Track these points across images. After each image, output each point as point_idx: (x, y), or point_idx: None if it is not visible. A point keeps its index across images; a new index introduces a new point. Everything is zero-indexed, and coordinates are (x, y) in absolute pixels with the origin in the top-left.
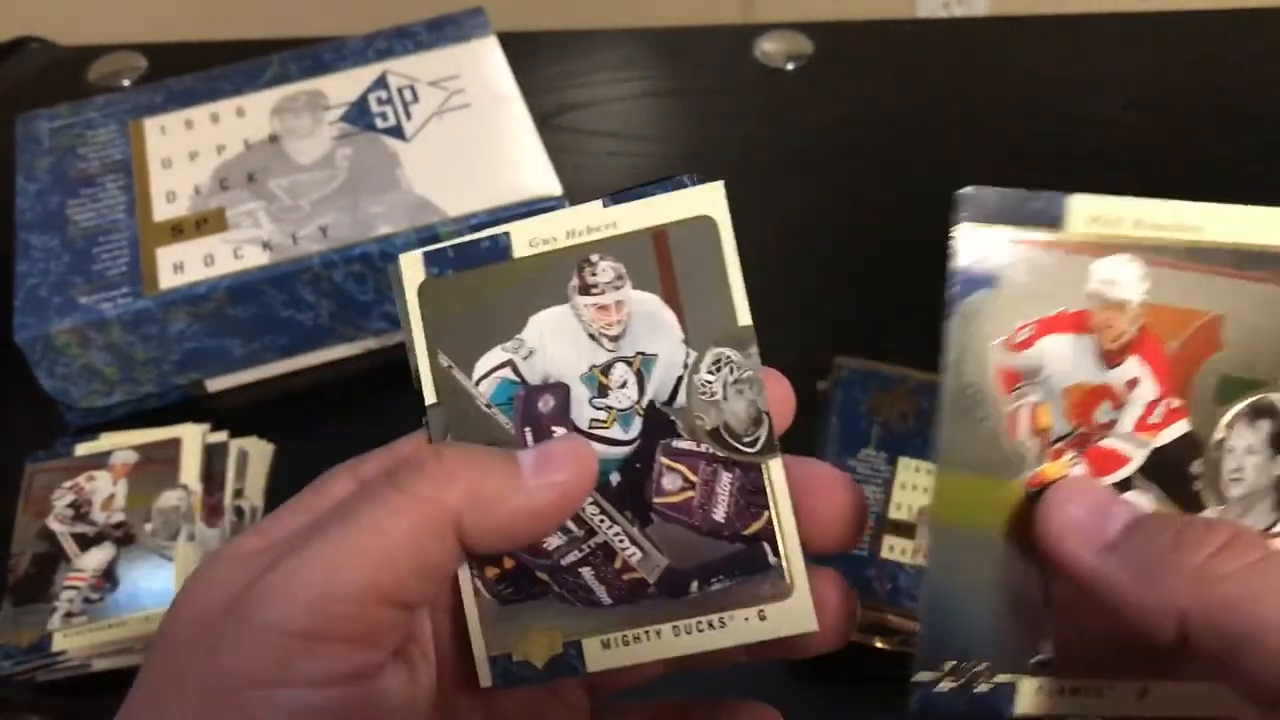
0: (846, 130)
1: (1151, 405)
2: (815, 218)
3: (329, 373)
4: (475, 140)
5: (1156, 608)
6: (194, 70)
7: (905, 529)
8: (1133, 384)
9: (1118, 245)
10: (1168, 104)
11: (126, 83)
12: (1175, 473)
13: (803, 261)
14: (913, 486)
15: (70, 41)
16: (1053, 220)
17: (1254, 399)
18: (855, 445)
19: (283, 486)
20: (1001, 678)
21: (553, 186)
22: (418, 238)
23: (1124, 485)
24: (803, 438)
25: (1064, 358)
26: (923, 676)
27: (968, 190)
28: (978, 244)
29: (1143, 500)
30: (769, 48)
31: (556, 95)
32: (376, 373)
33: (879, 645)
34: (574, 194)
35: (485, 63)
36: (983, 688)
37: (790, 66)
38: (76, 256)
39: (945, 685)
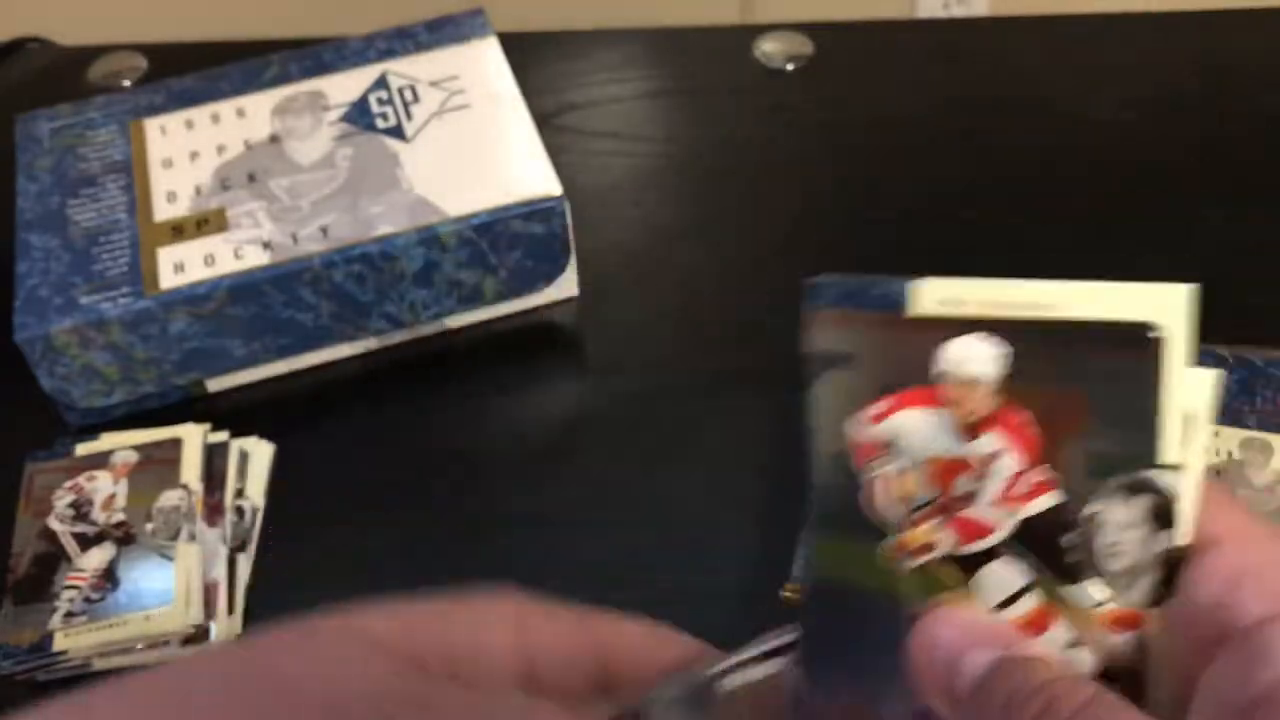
0: (846, 130)
1: (1016, 477)
2: (815, 218)
3: (329, 373)
4: (475, 140)
5: None
6: (194, 70)
7: None
8: (994, 457)
9: (971, 324)
10: (1168, 104)
11: (127, 83)
12: (1047, 543)
13: (802, 262)
14: None
15: (70, 41)
16: (897, 305)
17: (1130, 475)
18: None
19: (283, 486)
20: None
21: (553, 186)
22: (418, 237)
23: (991, 554)
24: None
25: (920, 431)
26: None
27: (818, 279)
28: (829, 326)
29: (1007, 573)
30: (769, 48)
31: (556, 95)
32: (376, 373)
33: None
34: (574, 194)
35: (485, 63)
36: None
37: (790, 66)
38: (77, 256)
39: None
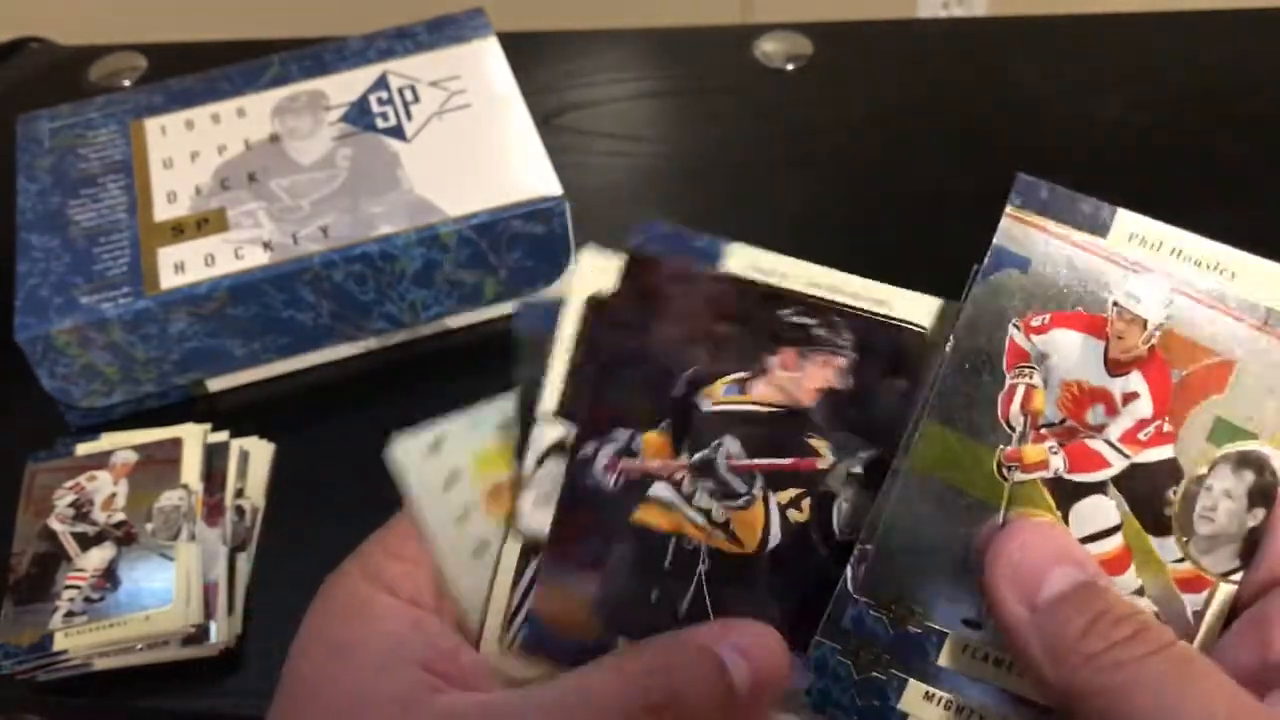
0: (846, 130)
1: (1143, 423)
2: (815, 218)
3: (329, 373)
4: (475, 140)
5: (1054, 681)
6: (194, 70)
7: None
8: (1130, 397)
9: (1150, 266)
10: (1168, 104)
11: (127, 83)
12: (1148, 493)
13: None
14: None
15: (71, 41)
16: (1097, 227)
17: (1245, 448)
18: None
19: (283, 487)
20: (932, 624)
21: (553, 187)
22: (418, 237)
23: (1096, 488)
24: None
25: (1071, 353)
26: (863, 597)
27: (1024, 178)
28: (1021, 227)
29: (1103, 509)
30: (769, 48)
31: (556, 95)
32: (376, 373)
33: None
34: (574, 194)
35: (485, 63)
36: (913, 628)
37: (790, 66)
38: (77, 256)
39: (879, 614)
